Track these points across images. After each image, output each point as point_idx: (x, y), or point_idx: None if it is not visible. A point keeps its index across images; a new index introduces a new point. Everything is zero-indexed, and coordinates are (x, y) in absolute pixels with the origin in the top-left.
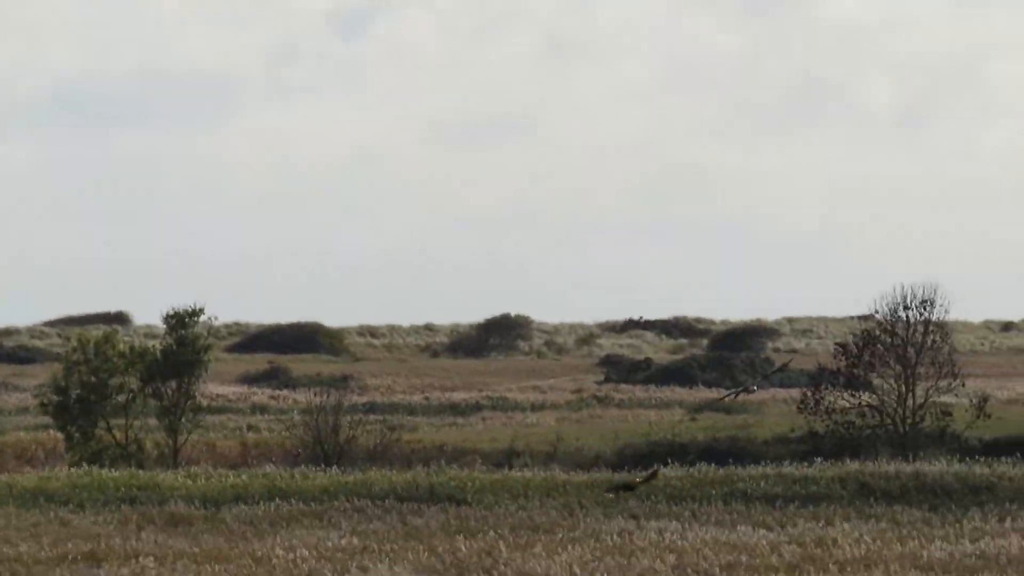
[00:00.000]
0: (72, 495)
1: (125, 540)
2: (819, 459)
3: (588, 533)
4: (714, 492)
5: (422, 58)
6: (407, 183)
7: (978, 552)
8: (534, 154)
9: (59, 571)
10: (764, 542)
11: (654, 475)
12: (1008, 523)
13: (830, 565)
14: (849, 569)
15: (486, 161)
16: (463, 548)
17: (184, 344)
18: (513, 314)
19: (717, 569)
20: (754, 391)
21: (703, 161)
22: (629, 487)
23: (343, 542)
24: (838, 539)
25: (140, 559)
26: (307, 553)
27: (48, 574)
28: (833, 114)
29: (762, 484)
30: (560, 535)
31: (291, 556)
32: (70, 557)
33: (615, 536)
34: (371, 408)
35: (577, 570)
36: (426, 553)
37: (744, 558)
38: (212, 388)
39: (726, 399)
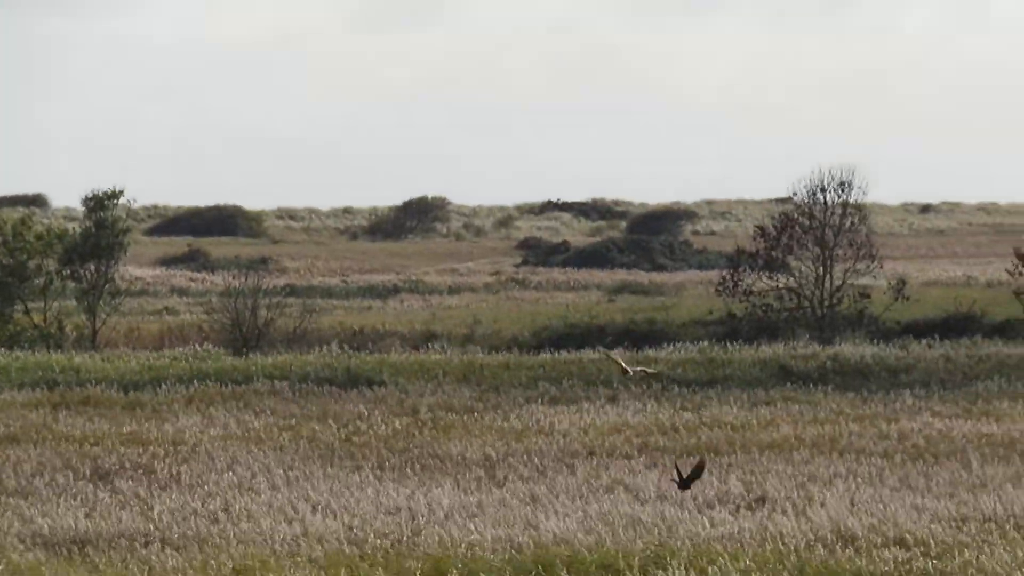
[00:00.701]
0: None
1: (44, 422)
2: (737, 342)
3: (504, 416)
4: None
5: None
6: (327, 65)
7: (896, 433)
8: (453, 36)
9: None
10: (681, 424)
11: (701, 469)
12: (924, 404)
13: (751, 447)
14: (767, 452)
15: (405, 43)
16: (381, 429)
17: (103, 227)
18: (431, 196)
19: (635, 451)
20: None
21: (623, 41)
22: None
23: (260, 423)
24: (754, 422)
25: (60, 441)
26: (223, 432)
27: None
28: None
29: (680, 367)
30: (476, 417)
31: (209, 436)
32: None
33: (533, 419)
34: (290, 291)
35: (491, 452)
36: (343, 432)
37: (662, 440)
38: (131, 271)
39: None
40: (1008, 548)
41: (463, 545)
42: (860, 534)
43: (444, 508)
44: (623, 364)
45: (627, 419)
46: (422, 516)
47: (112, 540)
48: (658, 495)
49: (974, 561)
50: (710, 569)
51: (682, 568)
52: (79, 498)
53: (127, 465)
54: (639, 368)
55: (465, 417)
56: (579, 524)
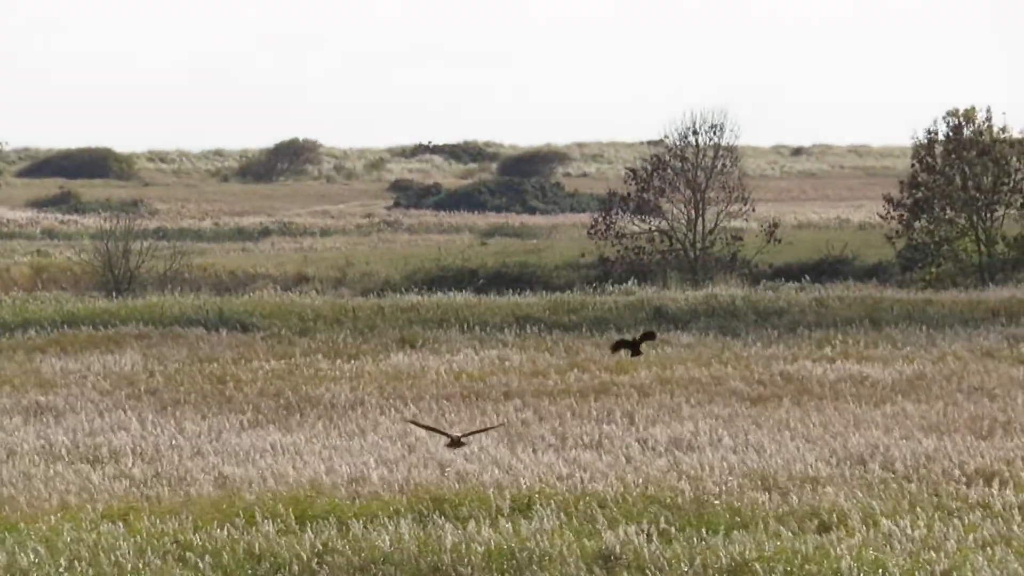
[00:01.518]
0: None
1: None
2: (609, 284)
3: (375, 358)
4: (502, 319)
5: None
6: (200, 4)
7: (768, 377)
8: None
9: None
10: (552, 369)
11: (652, 336)
12: (795, 347)
13: (623, 391)
14: (636, 395)
15: None
16: (252, 373)
17: None
18: (301, 139)
19: (499, 393)
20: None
21: None
22: (630, 343)
23: (131, 367)
24: (627, 365)
25: None
26: (92, 375)
27: None
28: None
29: (552, 311)
30: (347, 361)
31: (79, 379)
32: None
33: (402, 359)
34: (161, 234)
35: (364, 395)
36: (214, 378)
37: (536, 382)
38: (2, 213)
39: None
40: (867, 488)
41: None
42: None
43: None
44: (448, 433)
45: (501, 362)
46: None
47: None
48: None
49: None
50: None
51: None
52: None
53: None
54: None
55: (337, 361)
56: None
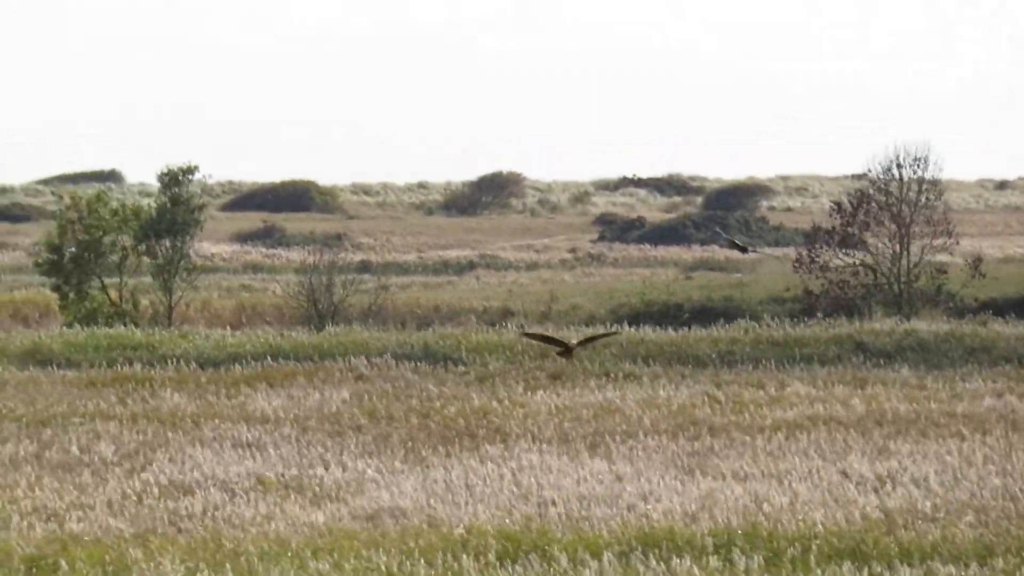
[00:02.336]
0: (67, 354)
1: (122, 399)
2: (816, 318)
3: (580, 392)
4: (706, 353)
5: None
6: (400, 38)
7: (974, 412)
8: (525, 9)
9: (51, 429)
10: (755, 403)
11: (613, 333)
12: (1002, 383)
13: (829, 424)
14: (843, 429)
15: (482, 18)
16: (460, 406)
17: (178, 203)
18: (506, 171)
19: (706, 430)
20: (746, 251)
21: (696, 22)
22: (740, 247)
23: (336, 402)
24: (831, 398)
25: (138, 419)
26: (304, 412)
27: (40, 433)
28: None
29: (755, 345)
30: (551, 395)
31: (288, 415)
32: (69, 415)
33: (606, 393)
34: (365, 267)
35: (568, 429)
36: (419, 412)
37: (739, 416)
38: (206, 247)
39: (723, 245)
40: None
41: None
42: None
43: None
44: (561, 340)
45: (706, 396)
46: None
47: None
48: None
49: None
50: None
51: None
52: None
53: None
54: (586, 338)
55: (540, 394)
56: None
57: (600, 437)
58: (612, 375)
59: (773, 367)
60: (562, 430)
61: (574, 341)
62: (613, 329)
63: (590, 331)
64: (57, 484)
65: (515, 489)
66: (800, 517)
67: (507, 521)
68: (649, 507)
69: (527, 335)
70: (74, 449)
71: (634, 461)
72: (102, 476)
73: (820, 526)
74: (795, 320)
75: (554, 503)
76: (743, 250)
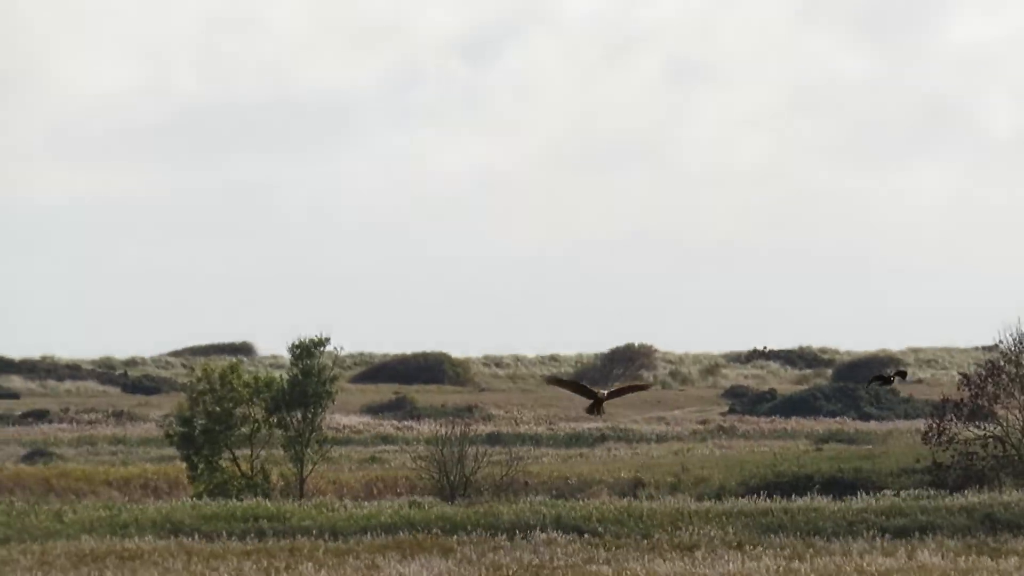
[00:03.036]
0: (199, 525)
1: (256, 570)
2: (944, 490)
3: (713, 564)
4: (836, 523)
5: (545, 82)
6: (531, 209)
7: None
8: (658, 180)
9: None
10: (883, 573)
11: (902, 374)
12: None
13: None
14: None
15: (610, 187)
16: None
17: (309, 374)
18: (637, 344)
19: None
20: (893, 380)
21: (826, 186)
22: (886, 380)
23: (472, 571)
24: (962, 569)
25: None
26: None
27: None
28: (955, 137)
29: (885, 516)
30: (689, 564)
31: None
32: None
33: (741, 566)
34: (496, 438)
35: None
36: None
37: None
38: (338, 418)
39: (870, 385)
40: None
41: None
42: None
43: None
44: (591, 391)
45: (825, 568)
46: None
47: None
48: None
49: None
50: None
51: None
52: None
53: None
54: (617, 389)
55: (677, 564)
56: None
57: None
58: (737, 544)
59: (903, 538)
60: None
61: (604, 392)
62: (641, 383)
63: (619, 384)
64: None
65: None
66: None
67: None
68: None
69: (554, 382)
70: None
71: None
72: None
73: None
74: (925, 491)
75: None
76: (888, 381)
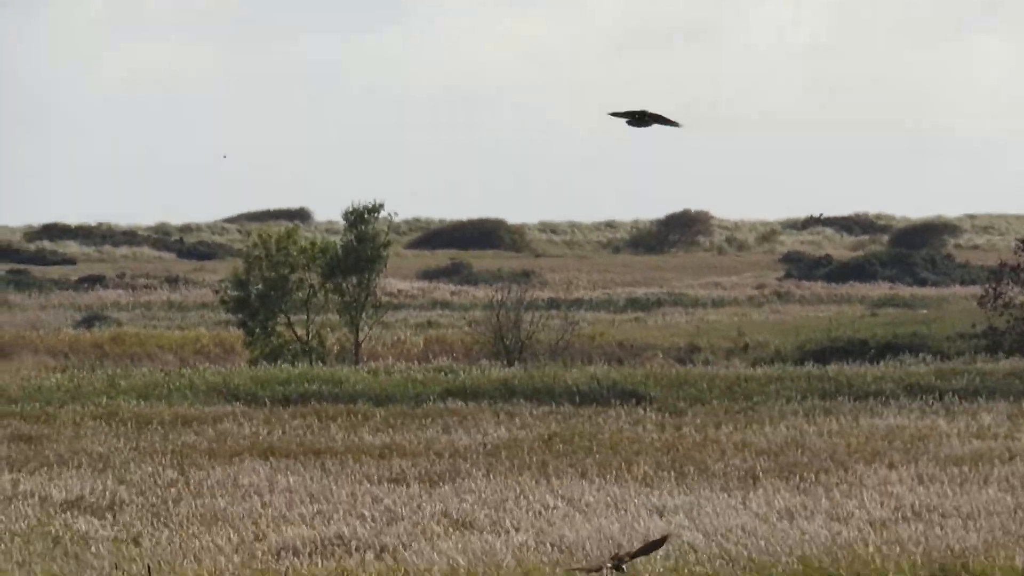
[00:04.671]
0: (255, 390)
1: (306, 434)
2: (1000, 354)
3: (773, 427)
4: (892, 387)
5: None
6: (588, 85)
7: None
8: (715, 55)
9: (236, 463)
10: (945, 434)
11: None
12: None
13: (1015, 458)
14: None
15: (667, 61)
16: (648, 441)
17: (364, 240)
18: (693, 210)
19: (896, 457)
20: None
21: (886, 59)
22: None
23: (525, 436)
24: (1018, 431)
25: (320, 454)
26: (492, 447)
27: (226, 465)
28: (1017, 6)
29: (941, 379)
30: (739, 430)
31: (476, 447)
32: (249, 450)
33: (795, 428)
34: (552, 304)
35: (755, 464)
36: (607, 447)
37: (920, 446)
38: (393, 284)
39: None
40: None
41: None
42: None
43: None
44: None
45: (889, 426)
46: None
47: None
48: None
49: None
50: None
51: None
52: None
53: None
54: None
55: (726, 429)
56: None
57: (792, 470)
58: (793, 410)
59: (958, 401)
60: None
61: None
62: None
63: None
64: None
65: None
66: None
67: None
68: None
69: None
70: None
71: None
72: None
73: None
74: (981, 355)
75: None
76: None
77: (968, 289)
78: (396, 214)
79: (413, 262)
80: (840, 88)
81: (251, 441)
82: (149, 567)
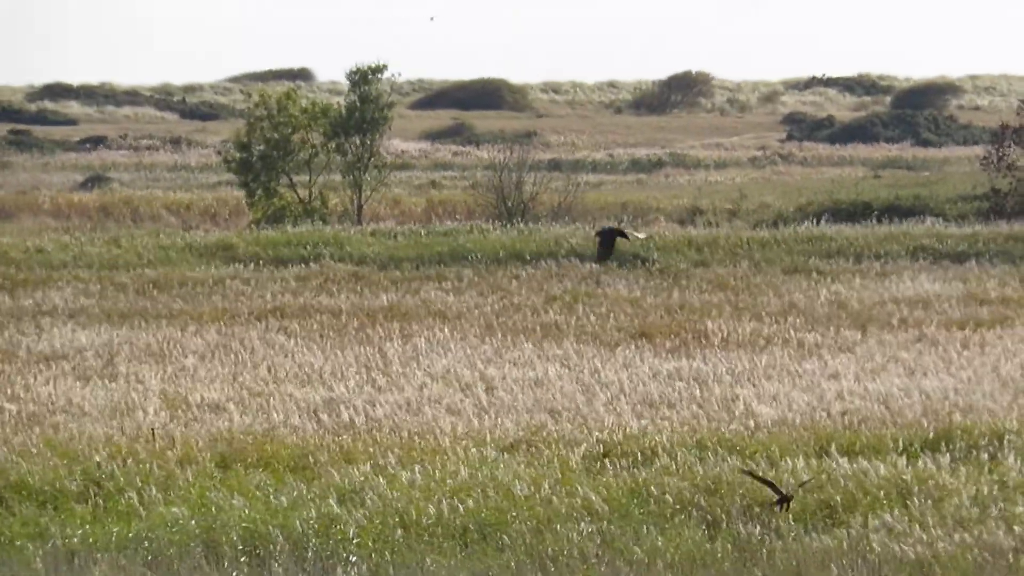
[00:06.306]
0: (256, 252)
1: (310, 295)
2: (1002, 216)
3: (775, 291)
4: (895, 250)
5: None
6: None
7: None
8: None
9: (202, 330)
10: (944, 298)
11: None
12: None
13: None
14: None
15: None
16: (648, 303)
17: (367, 101)
18: (695, 71)
19: (895, 321)
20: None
21: None
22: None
23: (533, 299)
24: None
25: (321, 315)
26: (493, 310)
27: (202, 331)
28: None
29: (943, 242)
30: (742, 294)
31: (477, 310)
32: (261, 312)
33: (799, 292)
34: (554, 165)
35: (764, 327)
36: (601, 309)
37: (922, 313)
38: (396, 144)
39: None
40: None
41: None
42: None
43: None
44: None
45: (895, 293)
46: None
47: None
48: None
49: None
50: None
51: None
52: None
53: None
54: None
55: (727, 295)
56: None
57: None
58: (795, 269)
59: (960, 263)
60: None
61: (792, 487)
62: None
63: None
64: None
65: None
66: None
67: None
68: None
69: (747, 473)
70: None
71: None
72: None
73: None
74: (983, 218)
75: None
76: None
77: (971, 150)
78: (399, 74)
79: (416, 123)
80: None
81: (259, 305)
82: (153, 430)
